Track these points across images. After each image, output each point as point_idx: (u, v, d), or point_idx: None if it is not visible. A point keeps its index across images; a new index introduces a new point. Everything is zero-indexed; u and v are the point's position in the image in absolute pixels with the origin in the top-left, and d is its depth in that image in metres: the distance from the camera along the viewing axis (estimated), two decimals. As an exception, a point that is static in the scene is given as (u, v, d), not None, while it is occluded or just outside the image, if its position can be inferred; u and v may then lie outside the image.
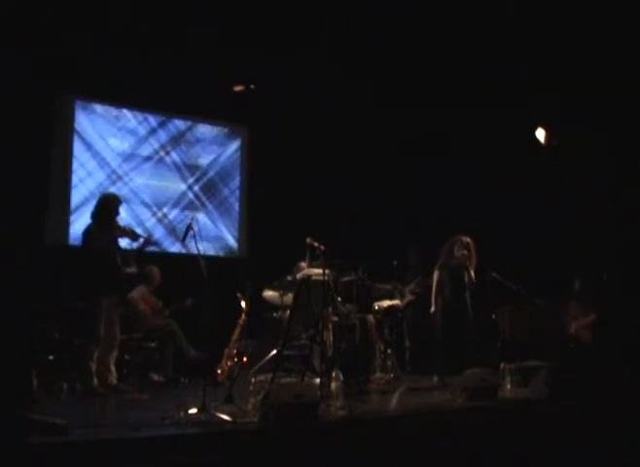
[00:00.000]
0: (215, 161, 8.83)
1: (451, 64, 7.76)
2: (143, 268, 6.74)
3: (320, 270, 5.35)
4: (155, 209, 8.26)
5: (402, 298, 7.41)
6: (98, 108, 8.02)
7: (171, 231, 8.31)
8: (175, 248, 8.21)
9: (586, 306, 7.04)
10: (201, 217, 8.45)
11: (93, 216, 5.84)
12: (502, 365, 5.94)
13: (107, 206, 5.86)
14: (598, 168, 7.62)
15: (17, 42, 6.60)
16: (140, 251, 6.04)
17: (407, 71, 8.00)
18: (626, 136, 7.45)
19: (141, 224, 7.97)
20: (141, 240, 6.02)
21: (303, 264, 6.41)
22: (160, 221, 8.29)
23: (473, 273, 6.52)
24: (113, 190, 7.63)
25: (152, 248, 6.14)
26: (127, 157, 8.15)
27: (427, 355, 6.89)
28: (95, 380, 5.53)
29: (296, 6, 6.88)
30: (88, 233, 5.76)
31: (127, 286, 6.56)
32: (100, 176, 7.92)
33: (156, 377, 6.49)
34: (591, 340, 6.86)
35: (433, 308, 6.66)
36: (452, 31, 7.33)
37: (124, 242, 6.08)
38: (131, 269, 6.05)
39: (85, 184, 7.80)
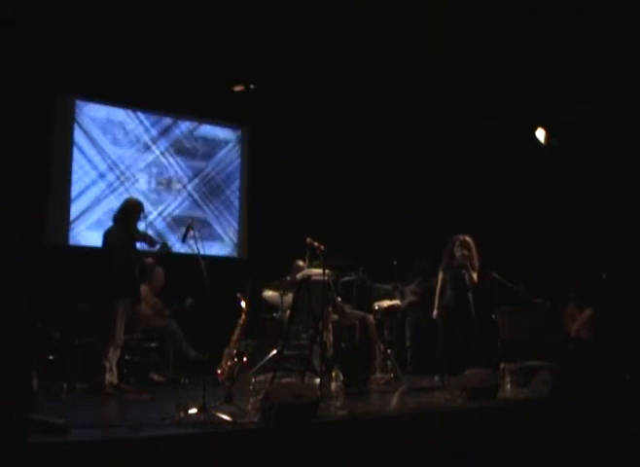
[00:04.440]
0: (215, 161, 8.82)
1: (451, 64, 7.76)
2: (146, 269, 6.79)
3: (320, 270, 5.35)
4: (155, 209, 8.25)
5: (403, 298, 7.39)
6: (99, 108, 8.00)
7: (171, 231, 8.30)
8: (175, 248, 8.19)
9: (582, 306, 7.05)
10: (202, 217, 8.45)
11: (116, 219, 5.84)
12: (502, 365, 5.94)
13: (130, 211, 5.85)
14: (598, 168, 7.62)
15: (17, 42, 6.61)
16: (158, 256, 6.08)
17: (407, 71, 8.00)
18: (626, 135, 7.45)
19: (141, 224, 7.95)
20: (157, 246, 6.04)
21: (300, 262, 6.42)
22: (160, 221, 8.29)
23: (474, 274, 6.39)
24: (112, 190, 7.63)
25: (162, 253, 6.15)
26: (128, 157, 8.14)
27: (427, 355, 6.88)
28: (108, 379, 5.53)
29: (295, 6, 6.88)
30: (109, 235, 5.76)
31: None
32: (100, 176, 7.91)
33: (156, 377, 6.49)
34: (592, 337, 6.86)
35: (435, 312, 6.49)
36: (454, 33, 7.33)
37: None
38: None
39: (85, 184, 7.79)
